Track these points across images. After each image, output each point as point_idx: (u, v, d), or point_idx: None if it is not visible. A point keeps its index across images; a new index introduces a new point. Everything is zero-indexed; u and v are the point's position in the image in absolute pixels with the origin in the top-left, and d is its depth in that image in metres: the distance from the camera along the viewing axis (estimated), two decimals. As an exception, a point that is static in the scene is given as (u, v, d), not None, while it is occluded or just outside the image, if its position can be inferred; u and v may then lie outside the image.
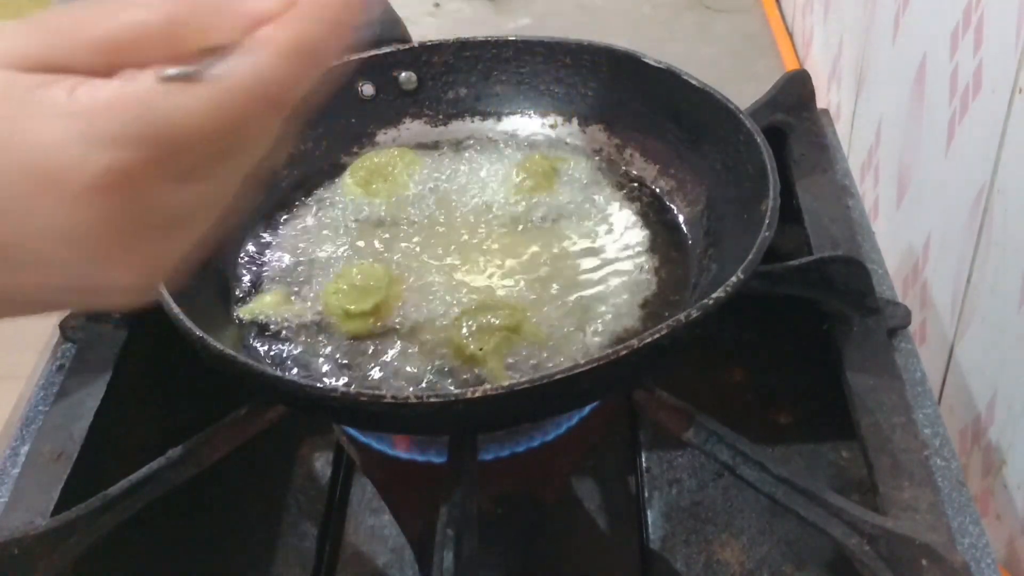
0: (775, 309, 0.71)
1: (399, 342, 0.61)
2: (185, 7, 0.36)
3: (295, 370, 0.60)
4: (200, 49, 0.36)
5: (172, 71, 0.35)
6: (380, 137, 0.78)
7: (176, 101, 0.35)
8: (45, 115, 0.34)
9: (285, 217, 0.72)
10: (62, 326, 0.73)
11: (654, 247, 0.67)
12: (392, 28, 0.79)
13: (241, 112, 0.36)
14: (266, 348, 0.62)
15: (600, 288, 0.64)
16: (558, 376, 0.50)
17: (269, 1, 0.37)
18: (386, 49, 0.77)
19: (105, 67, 0.35)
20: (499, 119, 0.78)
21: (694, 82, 0.70)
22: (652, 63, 0.72)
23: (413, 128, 0.79)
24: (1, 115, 0.34)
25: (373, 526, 0.75)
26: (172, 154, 0.35)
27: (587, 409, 0.62)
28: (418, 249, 0.68)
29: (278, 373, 0.53)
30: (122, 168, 0.34)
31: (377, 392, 0.52)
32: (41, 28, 0.36)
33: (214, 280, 0.66)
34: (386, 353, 0.61)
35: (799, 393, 0.80)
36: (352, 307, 0.62)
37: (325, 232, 0.70)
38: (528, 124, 0.78)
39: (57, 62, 0.35)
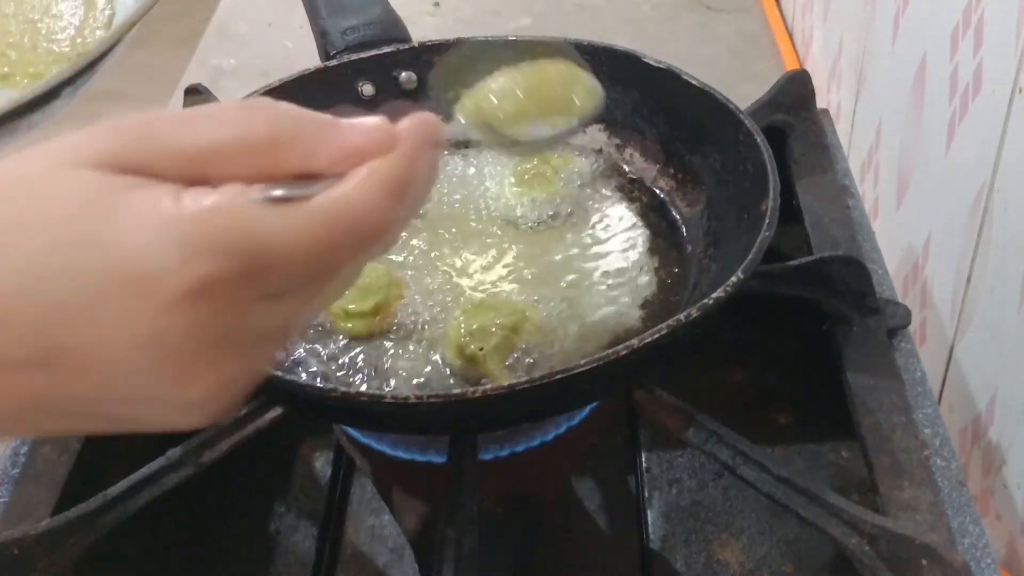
0: (775, 309, 0.71)
1: (399, 342, 0.61)
2: (290, 130, 0.36)
3: (296, 371, 0.60)
4: (298, 173, 0.36)
5: (278, 191, 0.35)
6: (380, 137, 0.78)
7: (279, 219, 0.34)
8: (141, 218, 0.33)
9: (285, 217, 0.72)
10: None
11: (654, 247, 0.67)
12: (392, 28, 0.79)
13: (338, 241, 0.36)
14: (266, 348, 0.62)
15: (600, 288, 0.64)
16: (558, 376, 0.50)
17: (374, 136, 0.37)
18: (386, 49, 0.77)
19: (197, 178, 0.35)
20: (499, 119, 0.78)
21: (694, 82, 0.70)
22: (652, 63, 0.72)
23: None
24: (94, 215, 0.33)
25: (373, 526, 0.75)
26: (266, 271, 0.34)
27: (587, 409, 0.62)
28: (418, 249, 0.68)
29: (278, 373, 0.53)
30: (218, 279, 0.33)
31: (377, 392, 0.53)
32: (135, 130, 0.35)
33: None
34: (386, 353, 0.61)
35: (799, 393, 0.80)
36: (352, 307, 0.62)
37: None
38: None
39: (150, 167, 0.34)
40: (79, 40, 0.92)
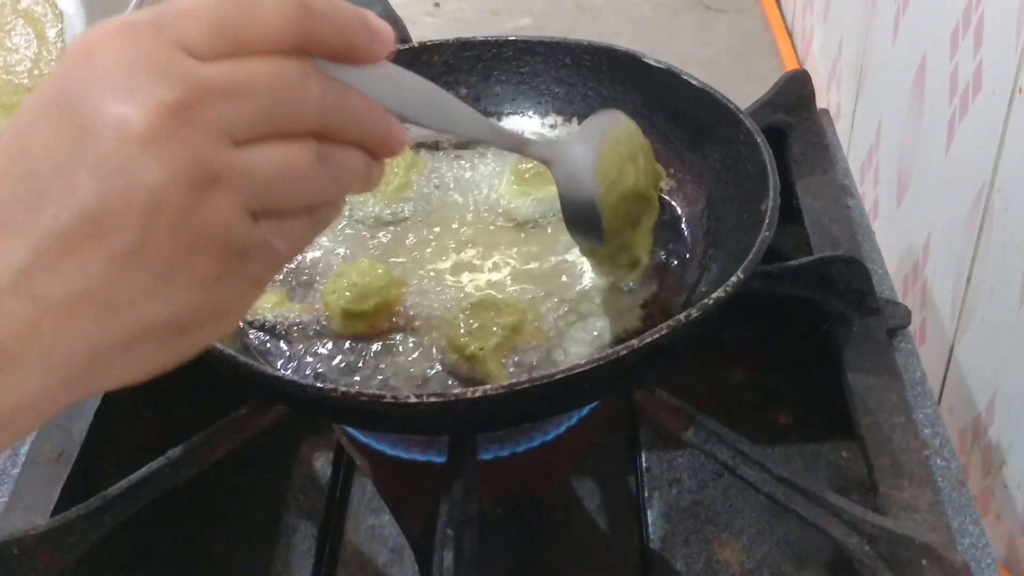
0: (775, 309, 0.71)
1: (399, 342, 0.61)
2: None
3: (295, 371, 0.60)
4: None
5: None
6: (380, 137, 0.78)
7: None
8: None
9: (285, 217, 0.72)
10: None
11: (654, 247, 0.67)
12: (392, 28, 0.79)
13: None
14: (266, 348, 0.62)
15: (600, 288, 0.64)
16: (558, 376, 0.50)
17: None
18: (386, 49, 0.77)
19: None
20: (499, 119, 0.78)
21: (694, 82, 0.70)
22: (652, 63, 0.72)
23: (413, 128, 0.78)
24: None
25: (373, 526, 0.75)
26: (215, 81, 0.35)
27: (587, 409, 0.62)
28: (418, 249, 0.68)
29: (278, 373, 0.53)
30: (174, 105, 0.34)
31: (377, 392, 0.52)
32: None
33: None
34: (386, 353, 0.61)
35: (799, 393, 0.80)
36: (352, 307, 0.62)
37: (325, 232, 0.70)
38: (528, 124, 0.78)
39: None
40: (35, 72, 0.92)
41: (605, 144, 0.59)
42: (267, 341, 0.63)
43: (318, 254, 0.68)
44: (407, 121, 0.44)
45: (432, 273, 0.66)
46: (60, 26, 0.92)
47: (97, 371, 0.36)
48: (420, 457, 0.61)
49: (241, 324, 0.64)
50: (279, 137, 0.36)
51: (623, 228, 0.61)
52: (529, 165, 0.72)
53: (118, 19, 0.35)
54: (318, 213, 0.40)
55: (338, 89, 0.38)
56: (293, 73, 0.36)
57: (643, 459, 0.77)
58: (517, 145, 0.56)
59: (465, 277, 0.65)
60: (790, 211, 0.78)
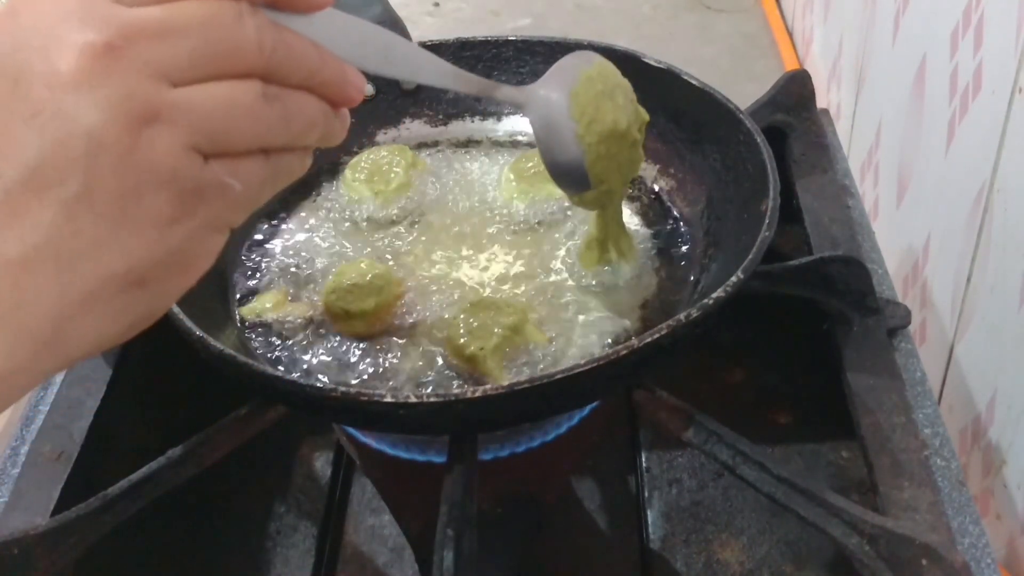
0: (775, 309, 0.71)
1: (399, 342, 0.61)
2: None
3: (295, 370, 0.60)
4: None
5: None
6: (380, 137, 0.78)
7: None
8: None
9: (285, 217, 0.72)
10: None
11: (654, 247, 0.67)
12: (392, 28, 0.79)
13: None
14: (266, 348, 0.62)
15: (600, 288, 0.64)
16: (558, 376, 0.50)
17: None
18: (386, 49, 0.77)
19: None
20: (499, 119, 0.78)
21: (694, 82, 0.70)
22: (652, 63, 0.72)
23: (413, 128, 0.79)
24: None
25: (373, 526, 0.75)
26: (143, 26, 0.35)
27: (587, 409, 0.62)
28: (418, 249, 0.68)
29: (278, 373, 0.53)
30: (103, 45, 0.34)
31: (377, 392, 0.52)
32: None
33: (214, 280, 0.66)
34: (386, 353, 0.61)
35: (799, 393, 0.80)
36: (352, 307, 0.62)
37: (325, 232, 0.70)
38: (528, 124, 0.77)
39: None
40: None
41: (577, 84, 0.57)
42: (267, 341, 0.63)
43: (318, 254, 0.68)
44: (364, 69, 0.44)
45: (432, 273, 0.66)
46: None
47: (64, 334, 0.35)
48: (420, 457, 0.61)
49: (241, 324, 0.64)
50: (221, 77, 0.36)
51: (608, 170, 0.59)
52: (530, 164, 0.72)
53: None
54: (276, 157, 0.39)
55: (277, 30, 0.38)
56: (226, 12, 0.36)
57: (643, 459, 0.77)
58: (485, 89, 0.54)
59: (465, 277, 0.65)
60: (790, 211, 0.78)
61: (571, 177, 0.58)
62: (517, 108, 0.56)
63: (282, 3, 0.39)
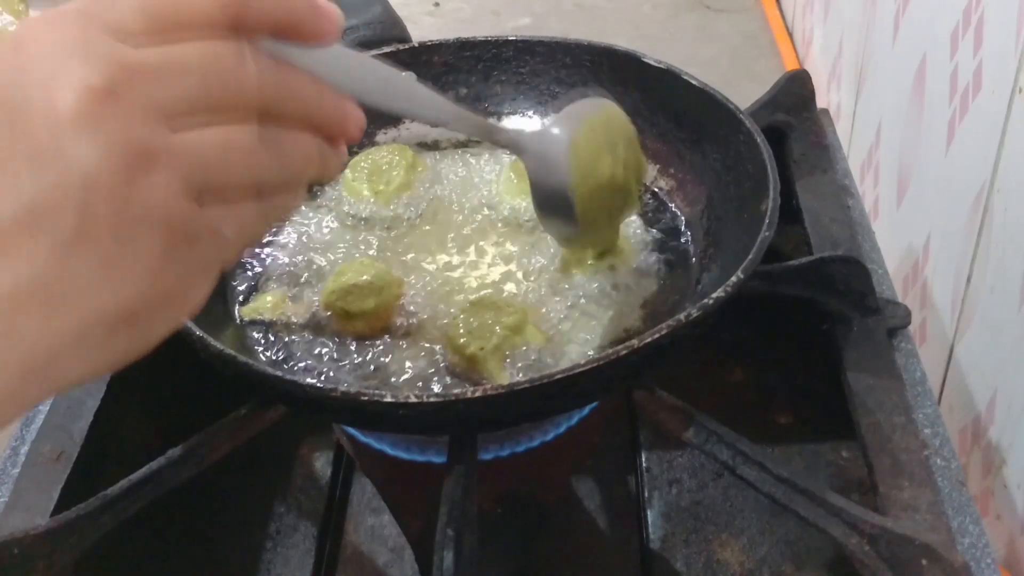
0: (775, 309, 0.71)
1: (399, 342, 0.61)
2: None
3: (295, 370, 0.60)
4: None
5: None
6: (380, 137, 0.78)
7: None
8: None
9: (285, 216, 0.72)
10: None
11: (654, 247, 0.67)
12: (392, 28, 0.79)
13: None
14: (266, 348, 0.62)
15: (600, 288, 0.64)
16: (558, 376, 0.50)
17: None
18: (386, 49, 0.77)
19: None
20: (499, 119, 0.78)
21: (694, 82, 0.70)
22: (652, 63, 0.72)
23: (413, 128, 0.79)
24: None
25: (373, 526, 0.75)
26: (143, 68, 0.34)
27: (587, 409, 0.62)
28: (418, 249, 0.68)
29: (278, 373, 0.53)
30: (102, 88, 0.34)
31: (377, 392, 0.52)
32: None
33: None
34: (386, 353, 0.61)
35: (799, 393, 0.80)
36: (352, 307, 0.62)
37: (325, 232, 0.70)
38: (528, 124, 0.78)
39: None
40: None
41: (581, 132, 0.57)
42: (267, 341, 0.63)
43: (319, 254, 0.68)
44: (365, 104, 0.43)
45: (432, 273, 0.66)
46: None
47: (53, 365, 0.35)
48: (420, 457, 0.61)
49: (241, 324, 0.64)
50: (219, 119, 0.36)
51: (599, 219, 0.59)
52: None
53: (48, 11, 0.35)
54: (269, 199, 0.39)
55: (279, 69, 0.38)
56: (227, 53, 0.36)
57: (643, 459, 0.77)
58: (484, 131, 0.54)
59: (465, 277, 0.65)
60: (790, 211, 0.78)
61: (560, 223, 0.59)
62: (515, 153, 0.56)
63: (287, 34, 0.39)
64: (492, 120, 0.77)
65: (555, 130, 0.57)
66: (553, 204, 0.57)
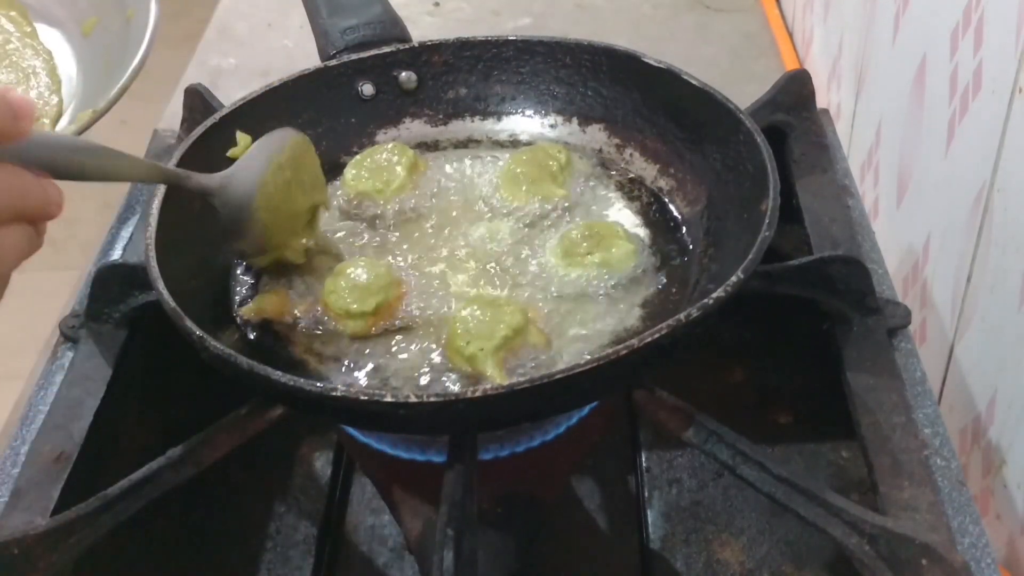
0: (775, 309, 0.71)
1: (399, 342, 0.61)
2: None
3: (295, 370, 0.60)
4: None
5: None
6: (380, 137, 0.78)
7: None
8: None
9: (285, 217, 0.71)
10: (62, 326, 0.73)
11: (654, 247, 0.67)
12: (392, 28, 0.79)
13: None
14: (266, 348, 0.62)
15: (600, 288, 0.64)
16: (558, 376, 0.50)
17: None
18: (386, 49, 0.77)
19: None
20: (499, 119, 0.78)
21: (694, 82, 0.70)
22: (652, 63, 0.72)
23: (413, 128, 0.79)
24: None
25: (373, 526, 0.75)
26: None
27: (587, 409, 0.62)
28: (419, 249, 0.68)
29: (278, 373, 0.53)
30: None
31: (377, 392, 0.52)
32: None
33: (214, 280, 0.66)
34: (386, 353, 0.61)
35: (799, 393, 0.80)
36: (353, 307, 0.62)
37: (325, 232, 0.70)
38: (528, 124, 0.78)
39: None
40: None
41: (267, 174, 0.61)
42: (267, 341, 0.63)
43: (319, 254, 0.68)
44: (66, 179, 0.48)
45: (432, 273, 0.66)
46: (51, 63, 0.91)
47: None
48: (420, 457, 0.61)
49: (241, 324, 0.64)
50: None
51: (284, 238, 0.65)
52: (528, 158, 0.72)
53: None
54: None
55: None
56: None
57: (643, 459, 0.77)
58: (179, 179, 0.59)
59: (465, 277, 0.65)
60: (790, 211, 0.78)
61: (249, 249, 0.64)
62: (207, 196, 0.61)
63: None
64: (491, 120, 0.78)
65: (242, 172, 0.62)
66: (243, 239, 0.62)
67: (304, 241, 0.66)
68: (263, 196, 0.61)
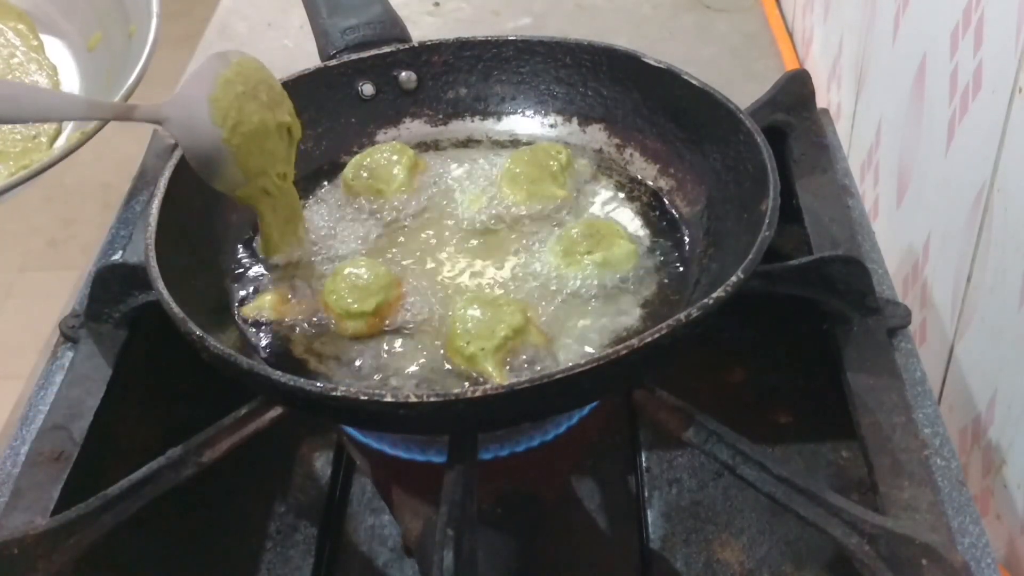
0: (775, 309, 0.71)
1: (399, 342, 0.61)
2: None
3: (295, 371, 0.60)
4: None
5: None
6: (380, 137, 0.78)
7: None
8: None
9: (285, 217, 0.71)
10: (62, 326, 0.73)
11: (654, 247, 0.67)
12: (392, 28, 0.79)
13: None
14: (266, 348, 0.62)
15: (600, 288, 0.64)
16: (558, 376, 0.50)
17: None
18: (386, 49, 0.77)
19: None
20: (499, 119, 0.78)
21: (694, 82, 0.70)
22: (652, 63, 0.72)
23: (413, 128, 0.79)
24: None
25: (373, 526, 0.75)
26: None
27: (587, 409, 0.62)
28: (419, 249, 0.68)
29: (278, 373, 0.53)
30: None
31: (377, 392, 0.52)
32: None
33: (214, 280, 0.66)
34: (386, 353, 0.61)
35: (799, 393, 0.80)
36: (353, 307, 0.62)
37: (325, 232, 0.70)
38: (528, 124, 0.78)
39: None
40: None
41: (216, 89, 0.58)
42: (267, 341, 0.63)
43: (319, 254, 0.68)
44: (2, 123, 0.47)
45: (432, 273, 0.66)
46: (55, 78, 0.91)
47: None
48: (420, 457, 0.61)
49: (241, 324, 0.64)
50: None
51: (262, 164, 0.61)
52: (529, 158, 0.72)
53: None
54: None
55: None
56: None
57: (643, 459, 0.77)
58: (121, 112, 0.55)
59: (465, 277, 0.65)
60: (790, 211, 0.78)
61: (224, 178, 0.60)
62: (158, 124, 0.58)
63: None
64: (491, 120, 0.78)
65: (190, 91, 0.58)
66: (211, 161, 0.59)
67: (285, 173, 0.63)
68: (218, 113, 0.58)
